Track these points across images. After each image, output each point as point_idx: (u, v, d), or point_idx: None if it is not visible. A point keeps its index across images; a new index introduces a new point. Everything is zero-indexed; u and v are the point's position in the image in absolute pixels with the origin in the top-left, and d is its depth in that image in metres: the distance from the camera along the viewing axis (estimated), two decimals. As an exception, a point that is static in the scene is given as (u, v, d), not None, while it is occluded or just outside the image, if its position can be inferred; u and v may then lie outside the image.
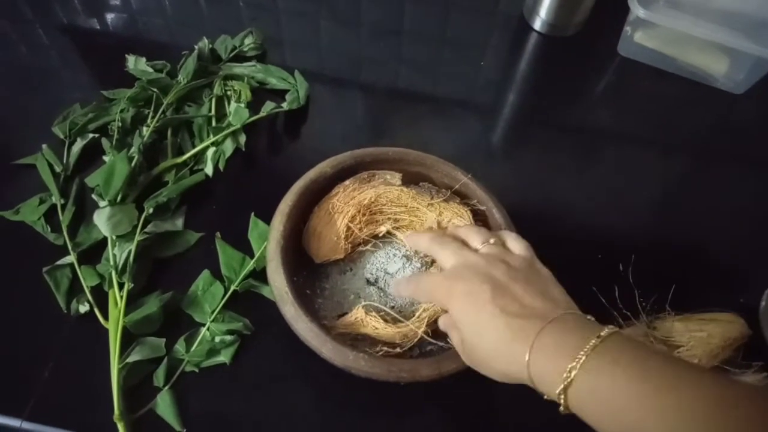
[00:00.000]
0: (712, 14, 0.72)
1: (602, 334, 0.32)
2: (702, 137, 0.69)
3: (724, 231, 0.61)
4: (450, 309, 0.40)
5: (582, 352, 0.31)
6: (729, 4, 0.71)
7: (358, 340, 0.46)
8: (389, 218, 0.53)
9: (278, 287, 0.45)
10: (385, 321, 0.46)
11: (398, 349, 0.45)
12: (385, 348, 0.44)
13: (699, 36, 0.67)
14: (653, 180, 0.65)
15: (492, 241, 0.43)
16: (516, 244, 0.43)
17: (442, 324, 0.44)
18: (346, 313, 0.48)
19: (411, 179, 0.54)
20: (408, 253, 0.52)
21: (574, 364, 0.31)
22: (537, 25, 0.76)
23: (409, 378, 0.42)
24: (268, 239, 0.48)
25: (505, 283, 0.38)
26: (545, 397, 0.34)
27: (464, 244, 0.44)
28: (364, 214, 0.52)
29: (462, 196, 0.53)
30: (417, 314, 0.47)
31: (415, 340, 0.46)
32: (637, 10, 0.66)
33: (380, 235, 0.53)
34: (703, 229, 0.61)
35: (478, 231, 0.45)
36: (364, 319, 0.45)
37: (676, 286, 0.55)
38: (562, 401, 0.32)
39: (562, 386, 0.32)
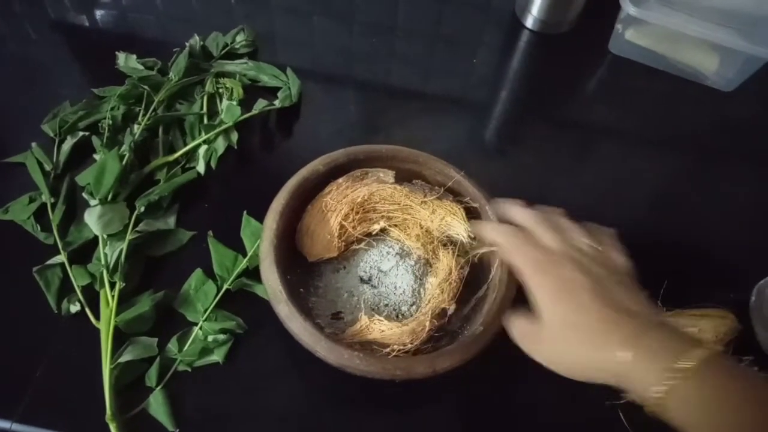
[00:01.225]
0: (703, 12, 0.72)
1: (709, 347, 0.33)
2: (693, 134, 0.70)
3: (715, 227, 0.61)
4: (537, 288, 0.39)
5: (688, 360, 0.32)
6: (720, 2, 0.72)
7: (365, 347, 0.45)
8: (383, 216, 0.53)
9: (272, 286, 0.45)
10: (390, 321, 0.46)
11: (410, 346, 0.45)
12: (397, 347, 0.44)
13: (690, 34, 0.67)
14: (645, 177, 0.65)
15: (600, 248, 0.42)
16: (618, 256, 0.42)
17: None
18: (340, 312, 0.48)
19: (404, 177, 0.54)
20: (401, 250, 0.52)
21: (682, 368, 0.31)
22: (529, 22, 0.76)
23: (404, 375, 0.42)
24: (261, 238, 0.47)
25: (607, 283, 0.38)
26: (629, 395, 0.35)
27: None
28: (357, 212, 0.52)
29: (455, 194, 0.53)
30: (421, 309, 0.47)
31: (424, 334, 0.45)
32: (628, 8, 0.66)
33: (374, 233, 0.53)
34: (693, 225, 0.61)
35: (585, 232, 0.43)
36: (369, 325, 0.45)
37: (667, 281, 0.55)
38: (657, 401, 0.32)
39: (663, 388, 0.32)
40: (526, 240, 0.41)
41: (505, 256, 0.43)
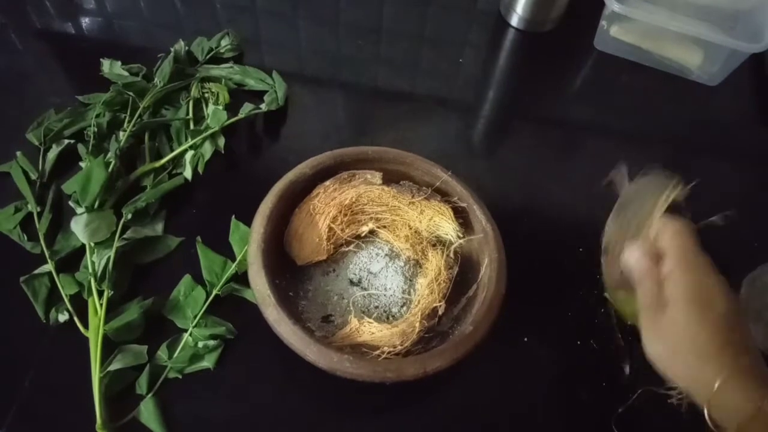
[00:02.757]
0: (687, 7, 0.73)
1: None
2: (678, 129, 0.70)
3: (700, 220, 0.61)
4: (681, 281, 0.38)
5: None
6: (703, -3, 0.73)
7: (356, 350, 0.45)
8: (371, 218, 0.53)
9: (260, 290, 0.44)
10: (380, 322, 0.46)
11: (400, 348, 0.45)
12: (387, 350, 0.44)
13: (673, 29, 0.68)
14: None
15: None
16: None
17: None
18: (330, 315, 0.48)
19: (392, 178, 0.54)
20: (391, 252, 0.52)
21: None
22: (514, 21, 0.76)
23: (395, 378, 0.42)
24: (249, 242, 0.47)
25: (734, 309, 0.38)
26: (705, 414, 0.35)
27: None
28: (345, 215, 0.52)
29: (443, 194, 0.53)
30: (410, 309, 0.48)
31: (414, 336, 0.45)
32: (612, 5, 0.66)
33: (362, 235, 0.53)
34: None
35: None
36: (359, 328, 0.45)
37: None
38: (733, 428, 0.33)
39: (747, 415, 0.33)
40: (692, 233, 0.42)
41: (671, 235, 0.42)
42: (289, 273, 0.50)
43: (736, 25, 0.71)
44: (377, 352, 0.44)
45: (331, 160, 0.52)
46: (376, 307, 0.49)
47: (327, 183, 0.52)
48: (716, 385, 0.34)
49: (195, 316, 0.49)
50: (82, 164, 0.56)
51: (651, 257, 0.40)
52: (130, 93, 0.60)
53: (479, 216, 0.51)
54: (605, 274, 0.46)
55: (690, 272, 0.38)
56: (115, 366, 0.46)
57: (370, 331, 0.45)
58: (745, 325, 0.38)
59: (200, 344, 0.48)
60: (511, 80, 0.74)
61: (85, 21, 0.74)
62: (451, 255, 0.51)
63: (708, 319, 0.36)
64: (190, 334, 0.48)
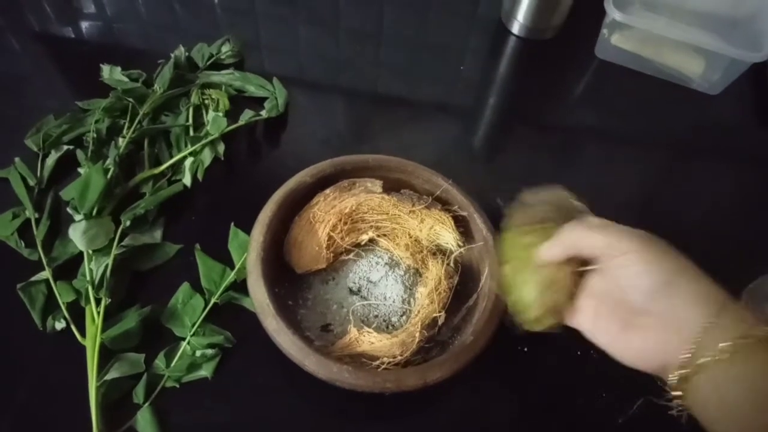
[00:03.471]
0: (688, 16, 0.73)
1: None
2: (679, 138, 0.70)
3: (702, 230, 0.61)
4: (636, 248, 0.36)
5: (760, 332, 0.30)
6: (704, 5, 0.72)
7: (355, 360, 0.45)
8: (371, 226, 0.52)
9: (259, 300, 0.44)
10: (380, 332, 0.46)
11: (400, 358, 0.44)
12: (387, 360, 0.44)
13: (674, 38, 0.68)
14: (632, 180, 0.66)
15: None
16: None
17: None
18: (329, 324, 0.48)
19: (392, 186, 0.54)
20: (391, 260, 0.52)
21: (747, 336, 0.30)
22: (515, 28, 0.76)
23: (395, 388, 0.41)
24: (248, 250, 0.47)
25: None
26: (671, 378, 0.33)
27: None
28: (345, 223, 0.51)
29: (443, 202, 0.53)
30: (410, 319, 0.47)
31: (414, 346, 0.45)
32: (613, 13, 0.66)
33: (362, 243, 0.53)
34: (680, 228, 0.61)
35: None
36: (358, 338, 0.45)
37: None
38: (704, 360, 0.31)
39: (728, 350, 0.30)
40: None
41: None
42: (288, 281, 0.50)
43: (737, 34, 0.71)
44: (377, 362, 0.43)
45: (331, 168, 0.52)
46: (376, 317, 0.49)
47: (327, 191, 0.52)
48: (714, 308, 0.32)
49: (193, 325, 0.48)
50: (81, 170, 0.56)
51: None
52: (130, 99, 0.60)
53: (480, 225, 0.50)
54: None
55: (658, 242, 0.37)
56: (112, 375, 0.45)
57: (369, 341, 0.45)
58: None
59: (198, 353, 0.47)
60: (511, 87, 0.74)
61: (85, 25, 0.73)
62: (452, 264, 0.51)
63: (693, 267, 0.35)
64: (188, 343, 0.48)
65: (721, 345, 0.30)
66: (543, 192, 0.45)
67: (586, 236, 0.38)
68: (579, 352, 0.51)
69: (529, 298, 0.40)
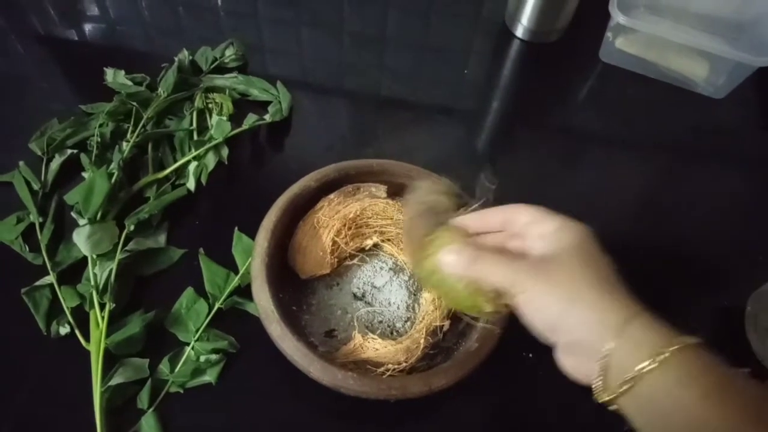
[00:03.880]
0: (692, 19, 0.73)
1: (689, 340, 0.30)
2: (684, 142, 0.70)
3: (708, 234, 0.61)
4: (562, 229, 0.36)
5: (671, 346, 0.29)
6: (708, 9, 0.72)
7: (359, 366, 0.45)
8: (375, 231, 0.52)
9: (263, 305, 0.44)
10: (384, 339, 0.46)
11: (405, 364, 0.44)
12: (392, 366, 0.44)
13: (679, 41, 0.67)
14: (636, 184, 0.65)
15: None
16: None
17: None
18: (333, 330, 0.48)
19: (396, 191, 0.54)
20: (395, 266, 0.52)
21: (662, 353, 0.29)
22: (519, 32, 0.76)
23: (399, 395, 0.41)
24: (253, 256, 0.47)
25: None
26: (596, 377, 0.32)
27: None
28: (349, 228, 0.51)
29: (448, 207, 0.53)
30: (415, 325, 0.47)
31: (419, 352, 0.45)
32: (617, 17, 0.66)
33: (367, 248, 0.53)
34: (686, 232, 0.61)
35: None
36: (363, 344, 0.45)
37: (660, 288, 0.55)
38: (623, 389, 0.30)
39: (649, 366, 0.29)
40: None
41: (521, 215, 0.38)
42: (292, 286, 0.50)
43: (739, 37, 0.71)
44: (382, 369, 0.43)
45: (335, 173, 0.52)
46: (380, 322, 0.49)
47: (331, 196, 0.51)
48: (621, 328, 0.31)
49: (197, 330, 0.48)
50: (85, 174, 0.56)
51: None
52: (134, 103, 0.60)
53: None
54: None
55: (572, 228, 0.36)
56: (116, 380, 0.45)
57: (374, 347, 0.45)
58: None
59: (202, 358, 0.47)
60: (515, 91, 0.74)
61: (88, 27, 0.74)
62: None
63: (603, 266, 0.34)
64: (192, 348, 0.48)
65: (624, 377, 0.30)
66: (426, 187, 0.43)
67: (489, 274, 0.35)
68: (584, 358, 0.51)
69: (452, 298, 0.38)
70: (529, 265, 0.34)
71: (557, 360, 0.35)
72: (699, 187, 0.66)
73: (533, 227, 0.37)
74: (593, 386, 0.32)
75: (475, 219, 0.39)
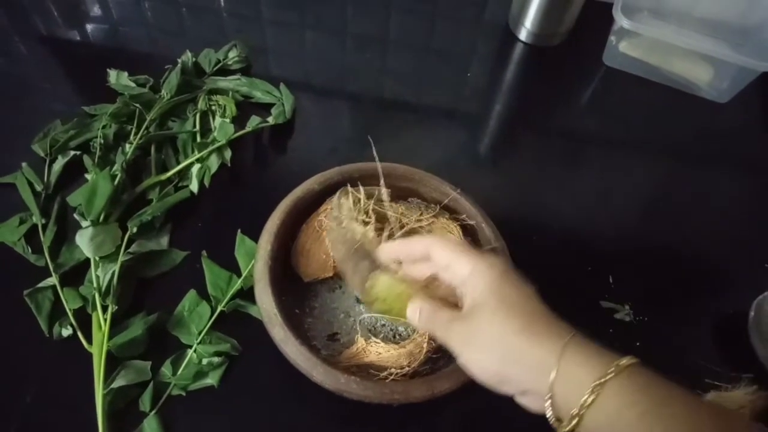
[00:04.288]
0: (696, 24, 0.73)
1: (622, 362, 0.31)
2: (687, 146, 0.70)
3: (711, 239, 0.61)
4: (482, 272, 0.36)
5: (607, 375, 0.31)
6: (713, 13, 0.72)
7: (362, 370, 0.45)
8: (379, 234, 0.52)
9: (266, 309, 0.44)
10: (387, 342, 0.46)
11: (407, 369, 0.44)
12: (395, 370, 0.44)
13: (683, 46, 0.67)
14: (639, 188, 0.65)
15: None
16: None
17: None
18: (336, 333, 0.48)
19: (400, 194, 0.54)
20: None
21: (599, 383, 0.30)
22: (522, 35, 0.76)
23: (402, 399, 0.41)
24: (256, 259, 0.47)
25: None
26: (549, 414, 0.33)
27: None
28: (352, 231, 0.51)
29: (451, 211, 0.53)
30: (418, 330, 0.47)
31: (422, 356, 0.45)
32: (621, 21, 0.66)
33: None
34: (690, 238, 0.61)
35: None
36: (365, 348, 0.45)
37: (663, 293, 0.55)
38: (573, 423, 0.31)
39: (591, 397, 0.31)
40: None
41: (441, 251, 0.39)
42: (295, 289, 0.50)
43: (743, 41, 0.71)
44: (384, 373, 0.43)
45: (339, 176, 0.52)
46: (383, 326, 0.49)
47: (334, 199, 0.51)
48: (558, 361, 0.32)
49: (200, 332, 0.48)
50: (88, 176, 0.56)
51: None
52: (137, 105, 0.60)
53: (488, 234, 0.50)
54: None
55: (483, 259, 0.37)
56: (118, 383, 0.45)
57: (377, 351, 0.45)
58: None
59: (205, 361, 0.47)
60: (518, 93, 0.74)
61: (91, 28, 0.74)
62: None
63: (521, 305, 0.35)
64: (195, 351, 0.48)
65: (571, 412, 0.31)
66: (345, 208, 0.46)
67: (437, 334, 0.38)
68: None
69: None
70: (460, 328, 0.36)
71: (517, 402, 0.36)
72: (702, 191, 0.66)
73: (452, 271, 0.38)
74: (551, 423, 0.33)
75: (399, 250, 0.41)
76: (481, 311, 0.35)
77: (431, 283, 0.40)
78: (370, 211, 0.47)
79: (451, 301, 0.38)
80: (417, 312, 0.39)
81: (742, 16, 0.72)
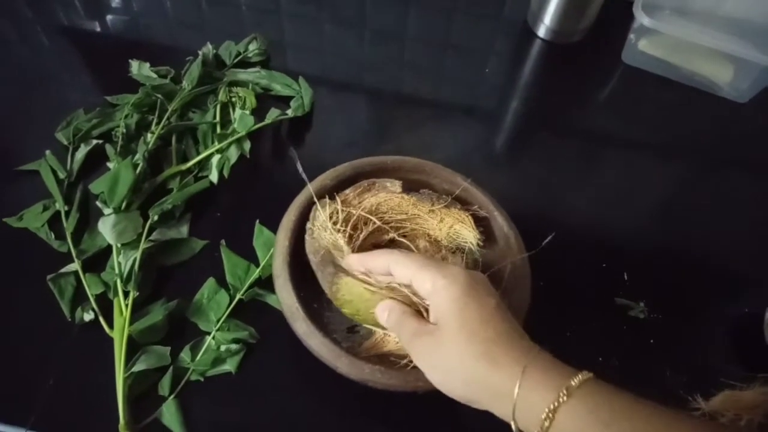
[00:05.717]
0: (718, 23, 0.72)
1: (580, 377, 0.32)
2: (706, 145, 0.69)
3: (728, 240, 0.61)
4: (443, 290, 0.37)
5: (559, 398, 0.31)
6: (736, 12, 0.71)
7: (383, 360, 0.45)
8: (392, 227, 0.52)
9: (288, 304, 0.45)
10: None
11: None
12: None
13: (704, 45, 0.67)
14: (658, 187, 0.65)
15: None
16: None
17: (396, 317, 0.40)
18: (356, 326, 0.48)
19: (411, 186, 0.54)
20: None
21: (559, 399, 0.31)
22: (541, 32, 0.76)
23: (426, 387, 0.41)
24: (274, 255, 0.47)
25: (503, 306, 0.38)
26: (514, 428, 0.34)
27: None
28: (365, 223, 0.51)
29: (463, 202, 0.53)
30: None
31: None
32: (642, 19, 0.66)
33: (382, 243, 0.53)
34: (706, 237, 0.61)
35: None
36: (384, 338, 0.45)
37: (679, 293, 0.55)
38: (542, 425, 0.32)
39: (551, 407, 0.31)
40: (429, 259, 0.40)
41: (402, 271, 0.40)
42: (312, 283, 0.50)
43: (767, 41, 0.70)
44: (405, 360, 0.44)
45: (351, 171, 0.52)
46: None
47: (347, 191, 0.52)
48: (516, 388, 0.32)
49: (218, 320, 0.49)
50: (110, 164, 0.57)
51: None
52: (159, 95, 0.60)
53: (501, 223, 0.50)
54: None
55: (444, 289, 0.37)
56: (138, 367, 0.46)
57: (395, 340, 0.45)
58: (511, 315, 0.37)
59: (223, 348, 0.48)
60: (536, 90, 0.74)
61: (113, 20, 0.75)
62: (470, 262, 0.51)
63: (483, 327, 0.35)
64: (213, 338, 0.48)
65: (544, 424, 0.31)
66: (320, 219, 0.48)
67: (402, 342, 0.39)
68: (600, 358, 0.51)
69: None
70: (422, 346, 0.37)
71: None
72: (721, 192, 0.65)
73: (415, 287, 0.39)
74: None
75: (364, 264, 0.43)
76: (444, 332, 0.36)
77: (396, 288, 0.41)
78: (351, 221, 0.49)
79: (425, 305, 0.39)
80: (386, 312, 0.40)
81: (766, 15, 0.71)
